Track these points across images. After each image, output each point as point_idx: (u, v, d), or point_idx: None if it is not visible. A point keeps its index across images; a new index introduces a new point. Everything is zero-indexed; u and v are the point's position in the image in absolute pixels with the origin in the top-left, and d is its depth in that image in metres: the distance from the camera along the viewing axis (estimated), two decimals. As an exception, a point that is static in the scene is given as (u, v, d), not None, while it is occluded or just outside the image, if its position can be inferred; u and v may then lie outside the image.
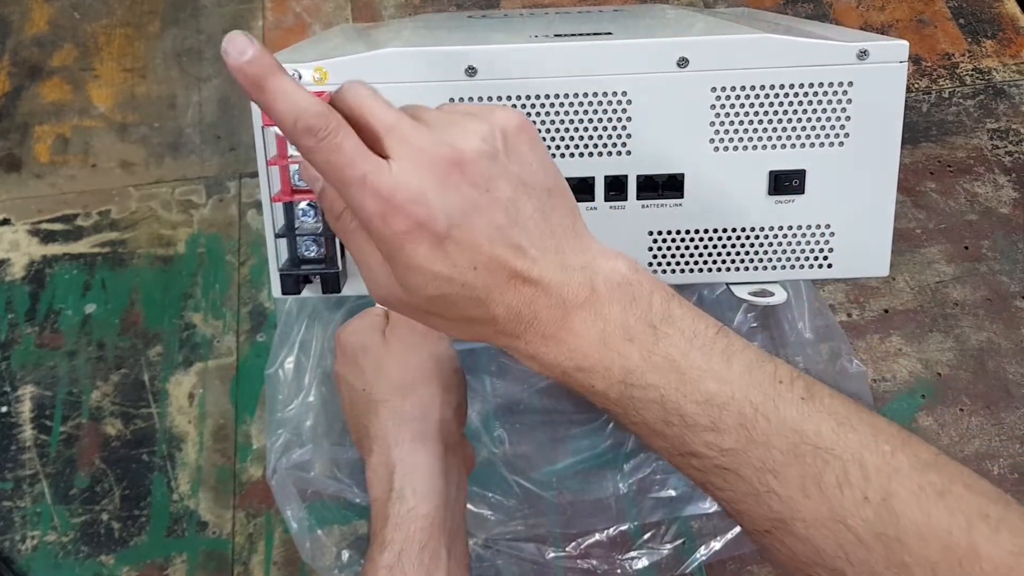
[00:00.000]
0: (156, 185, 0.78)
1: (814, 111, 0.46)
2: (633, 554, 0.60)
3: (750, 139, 0.46)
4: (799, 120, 0.46)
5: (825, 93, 0.45)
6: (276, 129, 0.43)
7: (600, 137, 0.46)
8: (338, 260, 0.46)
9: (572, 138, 0.46)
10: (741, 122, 0.46)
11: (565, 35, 0.47)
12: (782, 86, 0.45)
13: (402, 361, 0.50)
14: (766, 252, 0.48)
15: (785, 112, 0.46)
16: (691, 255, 0.48)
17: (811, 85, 0.45)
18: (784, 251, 0.48)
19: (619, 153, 0.46)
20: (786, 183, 0.47)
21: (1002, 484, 0.64)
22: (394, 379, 0.50)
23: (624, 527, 0.61)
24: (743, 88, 0.45)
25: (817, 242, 0.48)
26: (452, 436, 0.50)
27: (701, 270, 0.49)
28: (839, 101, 0.45)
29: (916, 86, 0.84)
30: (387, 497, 0.46)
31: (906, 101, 0.46)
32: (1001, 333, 0.71)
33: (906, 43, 0.45)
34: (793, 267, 0.49)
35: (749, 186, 0.47)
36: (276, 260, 0.47)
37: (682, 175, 0.47)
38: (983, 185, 0.78)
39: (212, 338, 0.70)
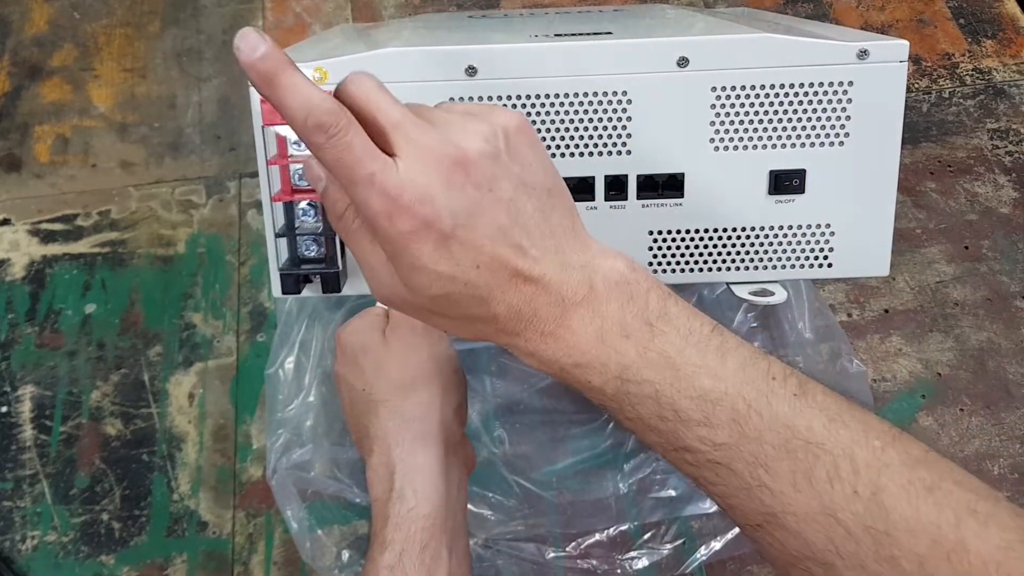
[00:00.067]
0: (156, 185, 0.78)
1: (814, 111, 0.46)
2: (633, 554, 0.60)
3: (750, 139, 0.46)
4: (799, 120, 0.46)
5: (825, 93, 0.45)
6: (276, 129, 0.43)
7: (600, 137, 0.46)
8: (338, 260, 0.46)
9: (572, 138, 0.46)
10: (741, 122, 0.46)
11: (565, 35, 0.47)
12: (782, 86, 0.45)
13: (402, 361, 0.50)
14: (766, 252, 0.48)
15: (785, 112, 0.46)
16: (691, 255, 0.48)
17: (811, 85, 0.45)
18: (784, 251, 0.48)
19: (619, 153, 0.46)
20: (786, 183, 0.47)
21: (1002, 484, 0.64)
22: (394, 379, 0.50)
23: (624, 527, 0.61)
24: (743, 88, 0.45)
25: (817, 242, 0.48)
26: (452, 436, 0.50)
27: (701, 270, 0.49)
28: (839, 101, 0.45)
29: (916, 86, 0.84)
30: (388, 497, 0.46)
31: (906, 101, 0.46)
32: (1001, 333, 0.71)
33: (906, 43, 0.45)
34: (793, 267, 0.49)
35: (749, 186, 0.47)
36: (276, 260, 0.47)
37: (682, 175, 0.47)
38: (983, 185, 0.78)
39: (212, 338, 0.70)
